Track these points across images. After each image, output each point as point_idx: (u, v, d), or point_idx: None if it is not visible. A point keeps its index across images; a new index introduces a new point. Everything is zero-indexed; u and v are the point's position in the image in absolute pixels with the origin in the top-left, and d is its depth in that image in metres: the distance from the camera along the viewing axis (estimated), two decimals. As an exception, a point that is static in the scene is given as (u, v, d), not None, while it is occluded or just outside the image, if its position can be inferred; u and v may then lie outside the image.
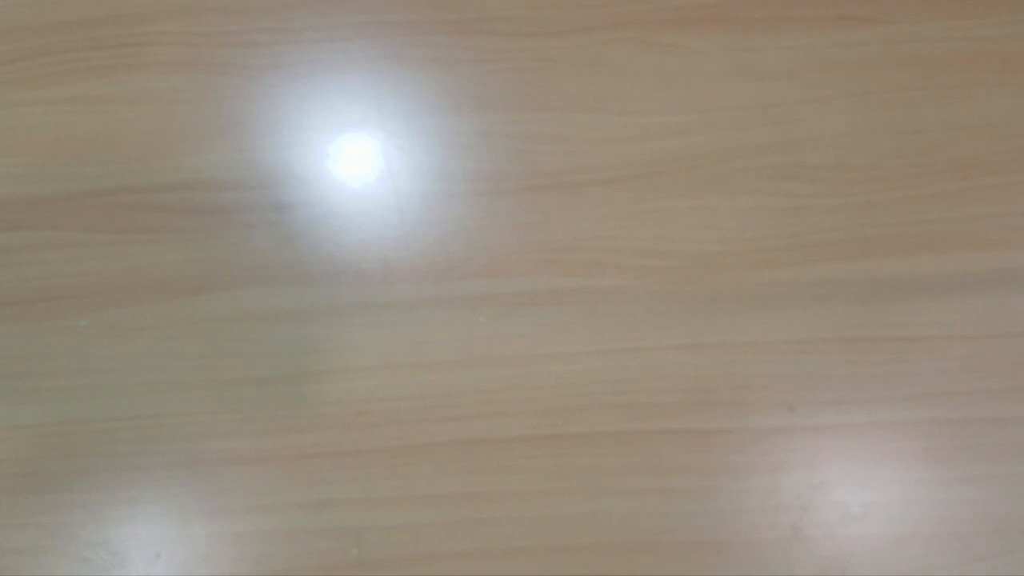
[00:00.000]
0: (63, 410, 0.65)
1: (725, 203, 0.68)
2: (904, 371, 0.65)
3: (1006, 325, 0.66)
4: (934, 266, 0.67)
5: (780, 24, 0.72)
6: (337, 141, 0.71)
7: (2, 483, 0.64)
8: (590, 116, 0.70)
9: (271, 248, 0.68)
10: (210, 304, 0.67)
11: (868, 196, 0.68)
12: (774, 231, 0.68)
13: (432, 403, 0.65)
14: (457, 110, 0.71)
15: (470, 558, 0.62)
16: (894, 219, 0.68)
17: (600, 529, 0.63)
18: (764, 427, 0.64)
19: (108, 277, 0.68)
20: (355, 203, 0.69)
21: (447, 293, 0.67)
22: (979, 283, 0.67)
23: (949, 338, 0.66)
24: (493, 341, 0.66)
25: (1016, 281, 0.67)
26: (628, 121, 0.70)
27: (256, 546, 0.63)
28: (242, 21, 0.73)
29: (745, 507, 0.63)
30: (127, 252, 0.68)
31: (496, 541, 0.63)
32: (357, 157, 0.70)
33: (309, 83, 0.71)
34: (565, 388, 0.65)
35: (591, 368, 0.65)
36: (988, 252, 0.67)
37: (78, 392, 0.66)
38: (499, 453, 0.64)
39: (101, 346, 0.67)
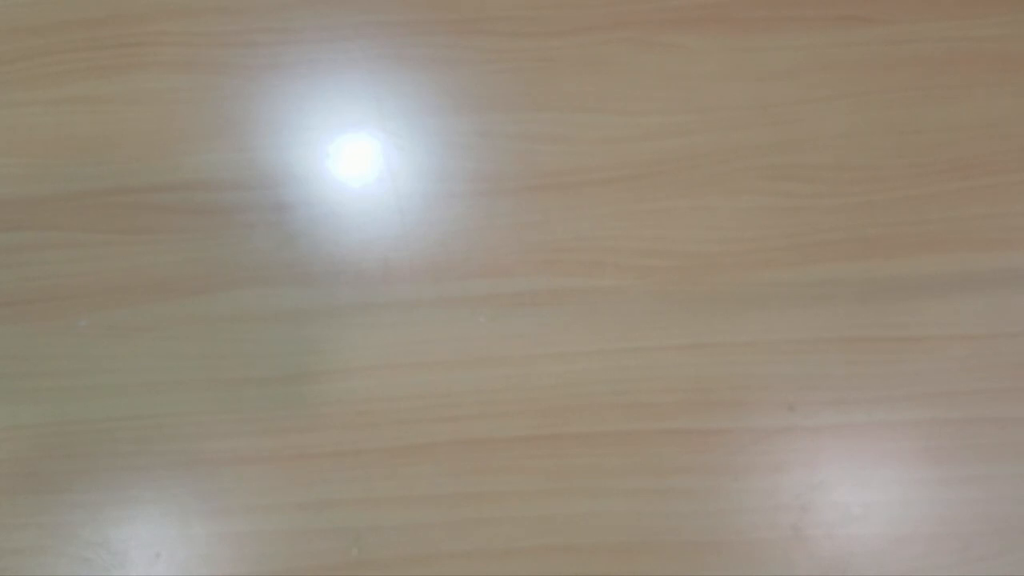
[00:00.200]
0: (63, 410, 0.65)
1: (725, 203, 0.68)
2: (904, 371, 0.65)
3: (1006, 325, 0.66)
4: (934, 266, 0.67)
5: (780, 24, 0.72)
6: (337, 141, 0.71)
7: (2, 483, 0.64)
8: (590, 116, 0.70)
9: (271, 248, 0.68)
10: (210, 304, 0.67)
11: (868, 196, 0.68)
12: (774, 231, 0.68)
13: (432, 403, 0.65)
14: (457, 110, 0.71)
15: (470, 558, 0.62)
16: (894, 219, 0.68)
17: (600, 529, 0.63)
18: (764, 427, 0.64)
19: (108, 277, 0.68)
20: (355, 203, 0.69)
21: (447, 293, 0.67)
22: (979, 283, 0.67)
23: (949, 338, 0.66)
24: (493, 341, 0.66)
25: (1016, 281, 0.67)
26: (628, 121, 0.70)
27: (256, 546, 0.63)
28: (242, 21, 0.73)
29: (745, 507, 0.63)
30: (127, 252, 0.68)
31: (496, 541, 0.63)
32: (357, 157, 0.70)
33: (309, 83, 0.71)
34: (565, 388, 0.65)
35: (591, 368, 0.65)
36: (988, 252, 0.67)
37: (78, 392, 0.66)
38: (499, 453, 0.64)
39: (101, 346, 0.67)
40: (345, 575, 0.62)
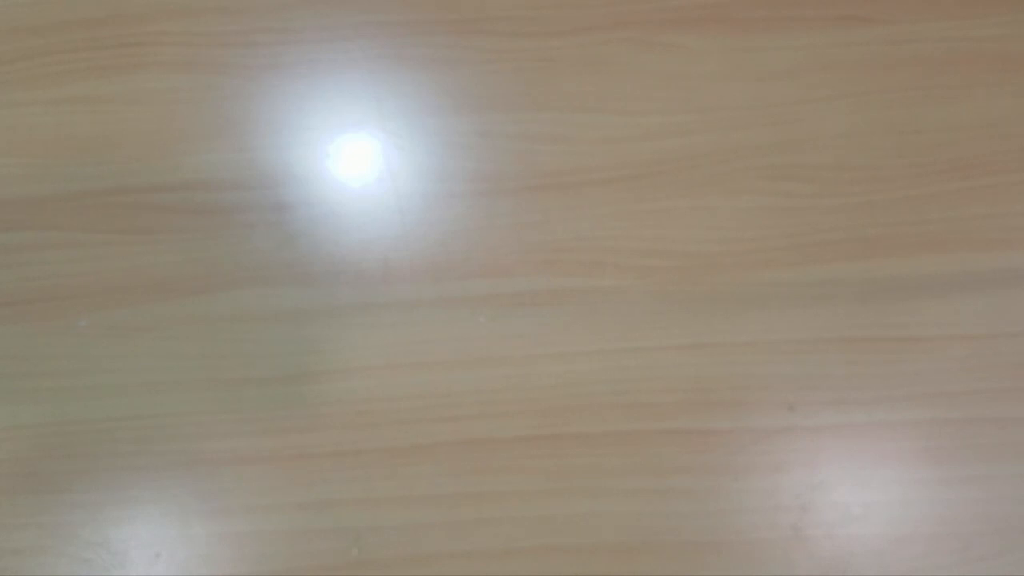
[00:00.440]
0: (63, 410, 0.65)
1: (725, 203, 0.68)
2: (904, 371, 0.65)
3: (1006, 325, 0.66)
4: (934, 266, 0.67)
5: (780, 24, 0.72)
6: (337, 141, 0.71)
7: (2, 483, 0.64)
8: (590, 116, 0.70)
9: (271, 248, 0.68)
10: (210, 304, 0.67)
11: (868, 196, 0.68)
12: (774, 231, 0.68)
13: (432, 403, 0.65)
14: (457, 110, 0.71)
15: (470, 558, 0.62)
16: (894, 219, 0.68)
17: (600, 529, 0.63)
18: (764, 427, 0.64)
19: (108, 277, 0.68)
20: (355, 203, 0.69)
21: (447, 293, 0.67)
22: (979, 283, 0.67)
23: (949, 338, 0.66)
24: (493, 341, 0.66)
25: (1016, 281, 0.67)
26: (628, 121, 0.70)
27: (256, 546, 0.63)
28: (242, 21, 0.73)
29: (745, 507, 0.63)
30: (127, 252, 0.68)
31: (496, 541, 0.63)
32: (357, 157, 0.70)
33: (309, 83, 0.71)
34: (565, 388, 0.65)
35: (591, 368, 0.65)
36: (988, 252, 0.67)
37: (78, 392, 0.66)
38: (499, 453, 0.64)
39: (101, 346, 0.67)
40: (345, 575, 0.62)
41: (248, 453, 0.64)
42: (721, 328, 0.66)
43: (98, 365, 0.66)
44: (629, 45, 0.72)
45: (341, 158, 0.70)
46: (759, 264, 0.67)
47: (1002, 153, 0.69)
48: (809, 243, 0.67)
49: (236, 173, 0.70)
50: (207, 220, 0.69)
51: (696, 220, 0.68)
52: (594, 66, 0.71)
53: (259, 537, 0.63)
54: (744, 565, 0.62)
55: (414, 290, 0.67)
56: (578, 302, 0.67)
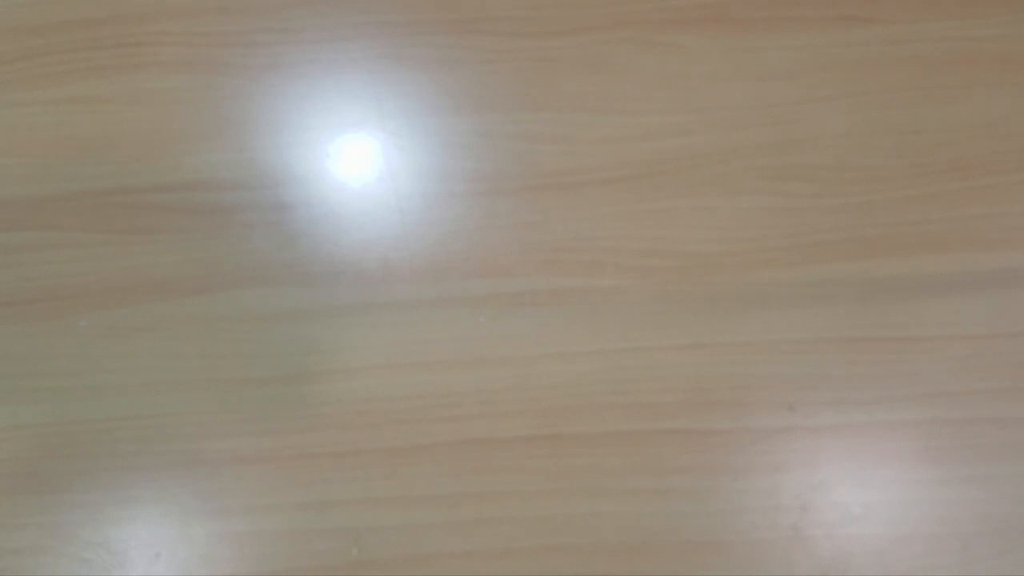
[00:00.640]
0: (63, 410, 0.65)
1: (725, 203, 0.68)
2: (904, 371, 0.65)
3: (1006, 325, 0.66)
4: (934, 266, 0.67)
5: (780, 24, 0.72)
6: (337, 141, 0.71)
7: (2, 483, 0.64)
8: (590, 116, 0.70)
9: (271, 248, 0.68)
10: (210, 304, 0.67)
11: (868, 196, 0.68)
12: (774, 231, 0.68)
13: (432, 403, 0.65)
14: (457, 110, 0.71)
15: (470, 558, 0.62)
16: (894, 219, 0.68)
17: (600, 529, 0.63)
18: (764, 427, 0.64)
19: (108, 277, 0.68)
20: (355, 203, 0.69)
21: (447, 293, 0.67)
22: (979, 283, 0.67)
23: (949, 338, 0.66)
24: (493, 341, 0.66)
25: (1016, 281, 0.67)
26: (628, 121, 0.70)
27: (256, 546, 0.63)
28: (242, 21, 0.73)
29: (745, 507, 0.63)
30: (127, 252, 0.68)
31: (496, 541, 0.63)
32: (357, 157, 0.70)
33: (309, 83, 0.72)
34: (565, 388, 0.65)
35: (591, 368, 0.65)
36: (988, 252, 0.67)
37: (78, 392, 0.66)
38: (499, 453, 0.64)
39: (101, 346, 0.67)
40: (345, 575, 0.62)
41: (248, 453, 0.64)
42: (721, 328, 0.66)
43: (98, 365, 0.66)
44: (629, 45, 0.72)
45: (341, 158, 0.70)
46: (759, 264, 0.67)
47: (1002, 153, 0.69)
48: (809, 243, 0.67)
49: (236, 173, 0.70)
50: (207, 220, 0.69)
51: (696, 220, 0.68)
52: (594, 66, 0.71)
53: (259, 537, 0.63)
54: (744, 565, 0.62)
55: (414, 290, 0.67)
56: (578, 302, 0.67)
